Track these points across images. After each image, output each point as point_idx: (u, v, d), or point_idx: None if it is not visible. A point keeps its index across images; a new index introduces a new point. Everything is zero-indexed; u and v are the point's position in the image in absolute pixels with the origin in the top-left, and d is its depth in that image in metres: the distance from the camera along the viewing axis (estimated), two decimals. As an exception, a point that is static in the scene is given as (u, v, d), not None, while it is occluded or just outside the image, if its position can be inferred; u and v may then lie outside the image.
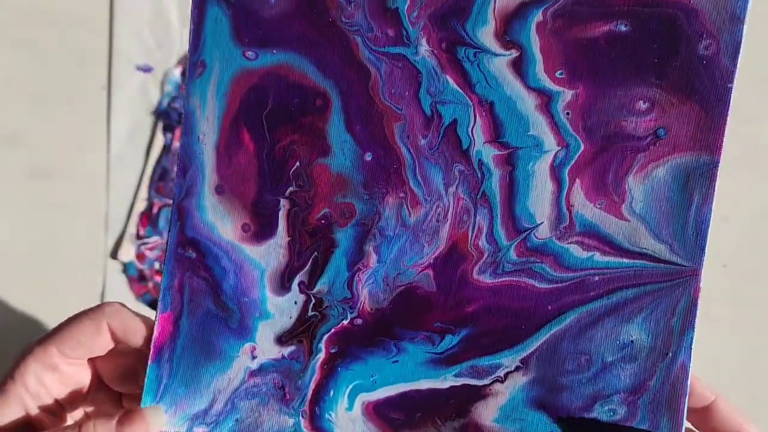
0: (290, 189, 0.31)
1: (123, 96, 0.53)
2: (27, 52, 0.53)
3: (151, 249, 0.52)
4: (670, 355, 0.28)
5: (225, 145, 0.31)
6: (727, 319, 0.55)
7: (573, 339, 0.29)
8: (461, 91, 0.29)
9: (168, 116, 0.52)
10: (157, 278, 0.51)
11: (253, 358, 0.31)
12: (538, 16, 0.29)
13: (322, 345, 0.30)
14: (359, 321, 0.30)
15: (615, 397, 0.28)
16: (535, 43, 0.29)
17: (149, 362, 0.31)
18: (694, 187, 0.28)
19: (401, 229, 0.30)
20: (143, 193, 0.52)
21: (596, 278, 0.29)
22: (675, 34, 0.28)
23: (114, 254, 0.52)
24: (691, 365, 0.28)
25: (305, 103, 0.30)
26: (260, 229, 0.31)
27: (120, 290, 0.52)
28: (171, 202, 0.53)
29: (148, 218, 0.51)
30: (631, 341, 0.28)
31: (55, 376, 0.30)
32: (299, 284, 0.30)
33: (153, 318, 0.31)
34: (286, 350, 0.30)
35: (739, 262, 0.55)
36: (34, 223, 0.52)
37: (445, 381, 0.29)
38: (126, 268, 0.51)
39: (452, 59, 0.29)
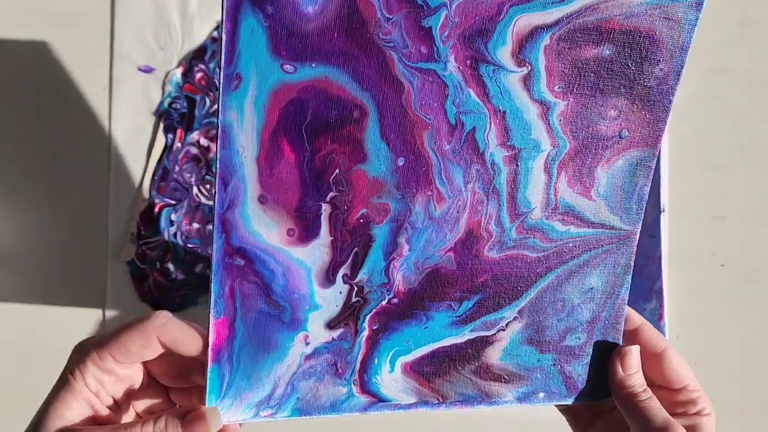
0: (331, 194, 0.33)
1: (124, 96, 0.49)
2: (29, 52, 0.53)
3: (152, 249, 0.47)
4: (615, 294, 0.39)
5: (266, 157, 0.31)
6: (725, 319, 0.55)
7: (553, 291, 0.38)
8: (481, 102, 0.33)
9: (169, 117, 0.46)
10: (158, 277, 0.49)
11: (307, 344, 0.34)
12: (545, 39, 0.33)
13: (366, 324, 0.35)
14: (395, 300, 0.35)
15: (579, 328, 0.39)
16: (541, 62, 0.33)
17: (209, 364, 0.33)
18: (640, 173, 0.37)
19: (428, 221, 0.35)
20: (144, 193, 0.47)
21: (571, 245, 0.37)
22: (643, 58, 0.35)
23: (116, 254, 0.50)
24: (627, 297, 0.39)
25: (343, 115, 0.32)
26: (304, 233, 0.33)
27: (122, 290, 0.51)
28: (172, 201, 0.48)
29: (149, 218, 0.46)
30: (591, 288, 0.38)
31: (111, 377, 0.32)
32: (343, 276, 0.34)
33: (200, 326, 0.33)
34: (336, 333, 0.35)
35: (736, 262, 0.55)
36: (35, 224, 0.51)
37: (463, 336, 0.37)
38: (127, 267, 0.47)
39: (475, 74, 0.33)
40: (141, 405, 0.35)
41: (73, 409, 0.31)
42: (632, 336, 0.39)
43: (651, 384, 0.38)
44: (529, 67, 0.33)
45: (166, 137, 0.49)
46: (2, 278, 0.51)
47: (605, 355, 0.39)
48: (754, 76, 0.55)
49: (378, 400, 0.36)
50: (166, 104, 0.49)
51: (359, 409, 0.36)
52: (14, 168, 0.51)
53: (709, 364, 0.55)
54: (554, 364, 0.39)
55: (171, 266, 0.49)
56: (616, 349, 0.39)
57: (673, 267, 0.54)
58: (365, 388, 0.36)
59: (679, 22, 0.34)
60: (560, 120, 0.35)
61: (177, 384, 0.34)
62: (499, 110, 0.34)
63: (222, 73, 0.29)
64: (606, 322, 0.39)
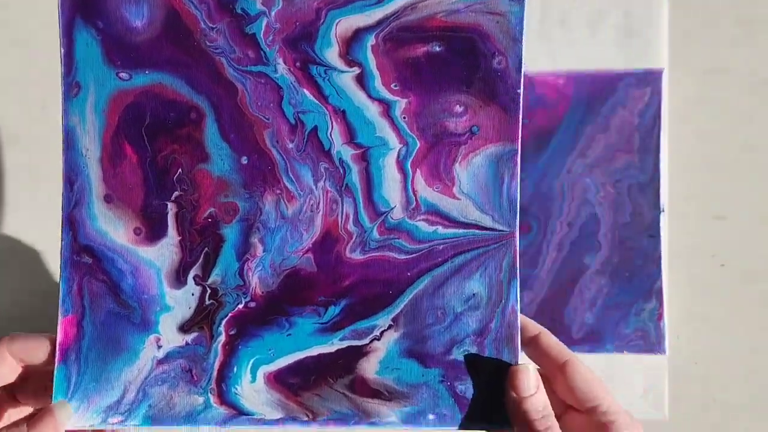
0: (175, 193, 0.34)
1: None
2: (28, 53, 0.53)
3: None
4: (503, 301, 0.36)
5: (108, 158, 0.33)
6: (725, 319, 0.54)
7: (429, 297, 0.36)
8: (317, 102, 0.35)
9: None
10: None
11: (159, 347, 0.34)
12: (371, 40, 0.35)
13: (222, 329, 0.35)
14: (253, 304, 0.35)
15: (467, 340, 0.36)
16: (372, 62, 0.35)
17: (56, 364, 0.33)
18: (504, 169, 0.36)
19: (281, 221, 0.35)
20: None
21: (441, 247, 0.36)
22: (475, 52, 0.35)
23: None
24: (519, 307, 0.36)
25: (181, 117, 0.34)
26: (151, 232, 0.34)
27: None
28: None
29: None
30: (473, 294, 0.36)
31: None
32: (194, 278, 0.34)
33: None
34: (189, 337, 0.34)
35: (737, 262, 0.55)
36: (36, 224, 0.51)
37: (332, 345, 0.35)
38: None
39: (307, 75, 0.34)
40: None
41: None
42: (531, 347, 0.36)
43: (562, 406, 0.34)
44: (361, 67, 0.35)
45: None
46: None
47: (501, 373, 0.36)
48: (754, 76, 0.55)
49: (239, 412, 0.34)
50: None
51: (218, 422, 0.34)
52: (14, 169, 0.53)
53: (709, 364, 0.54)
54: (442, 381, 0.36)
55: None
56: (510, 368, 0.35)
57: (674, 267, 0.54)
58: (224, 398, 0.35)
59: (505, 15, 0.35)
60: (404, 117, 0.35)
61: (42, 403, 0.34)
62: (339, 109, 0.35)
63: (62, 82, 0.33)
64: (497, 334, 0.36)
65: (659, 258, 0.53)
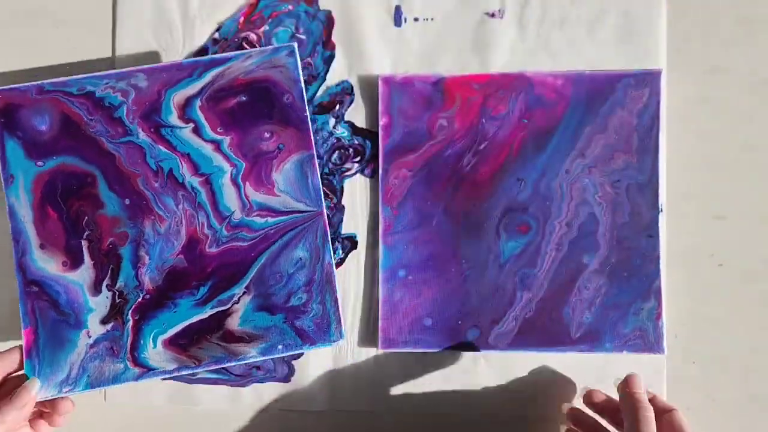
0: (86, 233, 0.50)
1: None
2: (30, 53, 0.55)
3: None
4: (321, 258, 0.51)
5: (39, 219, 0.50)
6: (724, 318, 0.54)
7: (269, 267, 0.51)
8: (169, 152, 0.51)
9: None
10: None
11: (89, 337, 0.50)
12: (198, 102, 0.51)
13: (129, 317, 0.50)
14: (147, 296, 0.50)
15: (299, 291, 0.50)
16: (201, 117, 0.51)
17: (24, 360, 0.49)
18: (306, 169, 0.51)
19: (158, 236, 0.51)
20: None
21: (272, 231, 0.51)
22: (270, 95, 0.51)
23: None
24: (333, 261, 0.51)
25: (81, 182, 0.50)
26: (73, 262, 0.50)
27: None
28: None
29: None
30: (300, 258, 0.51)
31: None
32: (106, 286, 0.50)
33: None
34: (109, 326, 0.50)
35: (735, 262, 0.55)
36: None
37: (206, 313, 0.50)
38: None
39: (159, 136, 0.51)
40: None
41: None
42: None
43: None
44: (194, 122, 0.51)
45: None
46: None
47: (326, 305, 0.50)
48: (754, 76, 0.55)
49: (148, 369, 0.50)
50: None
51: (135, 378, 0.49)
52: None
53: (707, 363, 0.55)
54: (285, 322, 0.50)
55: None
56: (627, 375, 0.49)
57: (672, 267, 0.54)
58: (137, 362, 0.50)
59: (285, 65, 0.51)
60: (231, 149, 0.51)
61: None
62: (185, 153, 0.51)
63: (2, 175, 0.50)
64: (319, 281, 0.50)
65: (658, 258, 0.53)
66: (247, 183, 0.51)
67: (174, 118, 0.51)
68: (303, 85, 0.51)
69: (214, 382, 0.54)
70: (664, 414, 0.47)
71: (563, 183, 0.54)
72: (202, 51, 0.55)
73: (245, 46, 0.55)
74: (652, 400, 0.48)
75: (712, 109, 0.55)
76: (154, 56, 0.55)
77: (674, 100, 0.54)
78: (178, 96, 0.51)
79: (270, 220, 0.51)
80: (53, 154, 0.50)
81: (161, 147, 0.51)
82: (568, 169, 0.54)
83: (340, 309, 0.51)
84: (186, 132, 0.51)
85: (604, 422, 0.51)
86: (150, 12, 0.55)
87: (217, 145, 0.51)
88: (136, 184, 0.51)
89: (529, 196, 0.54)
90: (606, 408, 0.51)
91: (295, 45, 0.51)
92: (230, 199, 0.51)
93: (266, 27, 0.55)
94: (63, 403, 0.49)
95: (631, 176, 0.53)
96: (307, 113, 0.51)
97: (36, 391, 0.48)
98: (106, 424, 0.54)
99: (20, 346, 0.49)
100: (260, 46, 0.54)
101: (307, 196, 0.51)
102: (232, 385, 0.54)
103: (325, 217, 0.51)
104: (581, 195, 0.53)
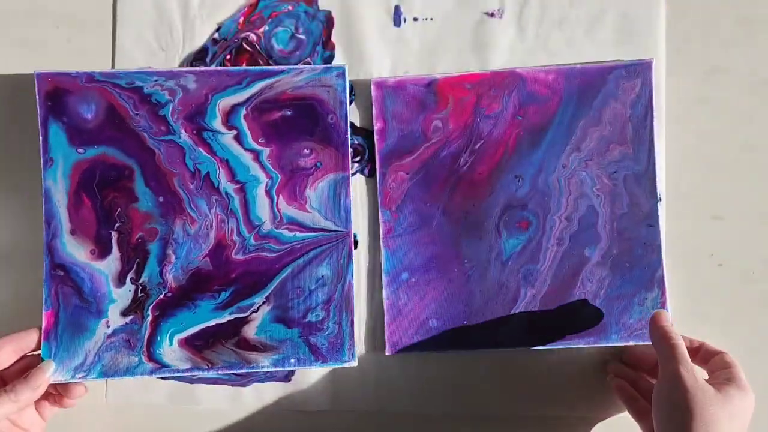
0: (117, 225, 0.51)
1: (125, 99, 0.54)
2: (31, 53, 0.55)
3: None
4: (342, 279, 0.52)
5: (72, 205, 0.51)
6: (723, 318, 0.54)
7: (291, 280, 0.52)
8: (209, 155, 0.52)
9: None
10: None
11: (108, 327, 0.51)
12: (243, 111, 0.52)
13: (149, 312, 0.51)
14: (170, 294, 0.51)
15: (318, 308, 0.51)
16: (244, 125, 0.52)
17: (42, 341, 0.50)
18: (340, 190, 0.52)
19: (187, 237, 0.52)
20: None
21: (299, 245, 0.52)
22: (315, 113, 0.52)
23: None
24: (354, 282, 0.52)
25: (119, 174, 0.51)
26: (101, 252, 0.51)
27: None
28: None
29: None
30: (322, 276, 0.52)
31: None
32: (130, 279, 0.51)
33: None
34: (128, 318, 0.51)
35: (734, 262, 0.55)
36: (37, 225, 0.52)
37: (224, 318, 0.51)
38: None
39: (201, 139, 0.52)
40: None
41: None
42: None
43: None
44: (237, 130, 0.52)
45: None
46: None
47: (342, 325, 0.51)
48: (754, 76, 0.55)
49: (161, 366, 0.50)
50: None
51: (148, 372, 0.50)
52: (12, 168, 0.54)
53: None
54: (300, 336, 0.51)
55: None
56: (655, 311, 0.50)
57: (672, 266, 0.54)
58: (151, 357, 0.50)
59: (333, 86, 0.52)
60: (269, 160, 0.52)
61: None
62: (224, 159, 0.52)
63: (42, 158, 0.51)
64: (338, 301, 0.51)
65: (659, 247, 0.53)
66: (281, 196, 0.52)
67: (218, 123, 0.52)
68: (348, 107, 0.52)
69: (215, 381, 0.55)
70: (714, 356, 0.48)
71: (561, 177, 0.54)
72: (202, 51, 0.55)
73: (245, 46, 0.55)
74: (702, 346, 0.49)
75: (712, 109, 0.55)
76: (154, 56, 0.55)
77: (674, 100, 0.55)
78: (224, 102, 0.52)
79: (298, 234, 0.52)
80: (95, 143, 0.51)
81: (201, 150, 0.52)
82: (564, 164, 0.54)
83: (356, 331, 0.52)
84: (228, 138, 0.52)
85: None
86: (150, 12, 0.55)
87: (257, 155, 0.52)
88: (172, 183, 0.51)
89: (528, 192, 0.54)
90: (641, 361, 0.53)
91: (346, 67, 0.52)
92: (262, 209, 0.52)
93: (266, 27, 0.55)
94: (76, 388, 0.49)
95: (628, 167, 0.53)
96: (348, 135, 0.52)
97: (50, 373, 0.48)
98: (106, 423, 0.54)
99: (39, 327, 0.50)
100: (260, 47, 0.54)
101: (337, 215, 0.52)
102: (232, 385, 0.55)
103: (352, 238, 0.52)
104: (579, 188, 0.54)
